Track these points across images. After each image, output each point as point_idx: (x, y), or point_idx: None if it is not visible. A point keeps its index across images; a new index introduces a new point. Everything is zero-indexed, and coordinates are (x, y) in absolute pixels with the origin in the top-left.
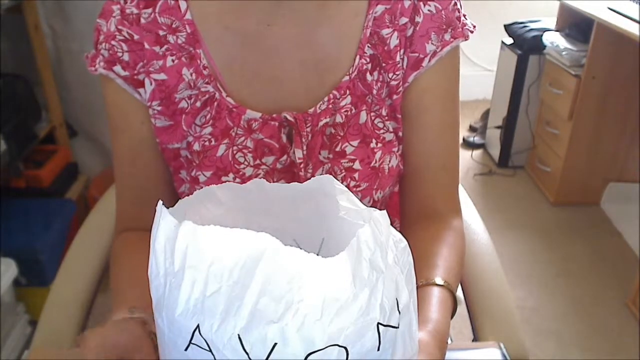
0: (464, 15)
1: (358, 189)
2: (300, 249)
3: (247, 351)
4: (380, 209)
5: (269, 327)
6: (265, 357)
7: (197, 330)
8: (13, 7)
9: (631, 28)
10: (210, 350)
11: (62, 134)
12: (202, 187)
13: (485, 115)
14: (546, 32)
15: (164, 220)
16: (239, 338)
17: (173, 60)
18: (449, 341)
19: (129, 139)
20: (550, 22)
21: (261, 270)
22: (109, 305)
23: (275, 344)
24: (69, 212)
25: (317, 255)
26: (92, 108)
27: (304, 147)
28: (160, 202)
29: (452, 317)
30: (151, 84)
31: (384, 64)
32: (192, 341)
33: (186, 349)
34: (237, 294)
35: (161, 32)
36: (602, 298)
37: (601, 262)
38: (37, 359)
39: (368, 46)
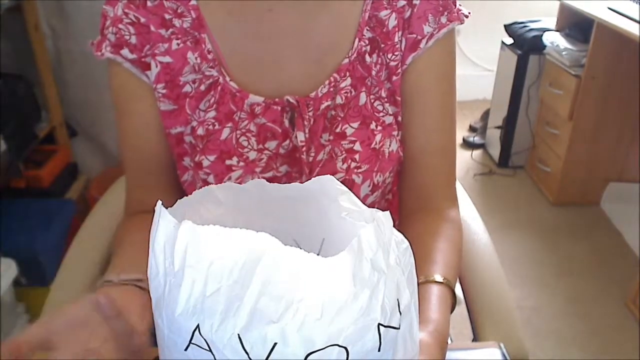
0: (460, 4)
1: (359, 170)
2: (300, 249)
3: (247, 351)
4: (380, 197)
5: (269, 326)
6: (265, 357)
7: (197, 330)
8: (13, 7)
9: (631, 28)
10: (210, 350)
11: (62, 134)
12: (206, 173)
13: (485, 115)
14: (546, 32)
15: (163, 220)
16: (239, 338)
17: (178, 44)
18: (449, 341)
19: (135, 122)
20: (550, 22)
21: (261, 270)
22: None
23: (275, 343)
24: (69, 212)
25: (318, 255)
26: (92, 108)
27: (306, 131)
28: (159, 202)
29: (451, 312)
30: (156, 66)
31: (382, 45)
32: (192, 341)
33: (186, 349)
34: (237, 293)
35: (167, 16)
36: (602, 298)
37: (601, 262)
38: (38, 359)
39: (367, 29)
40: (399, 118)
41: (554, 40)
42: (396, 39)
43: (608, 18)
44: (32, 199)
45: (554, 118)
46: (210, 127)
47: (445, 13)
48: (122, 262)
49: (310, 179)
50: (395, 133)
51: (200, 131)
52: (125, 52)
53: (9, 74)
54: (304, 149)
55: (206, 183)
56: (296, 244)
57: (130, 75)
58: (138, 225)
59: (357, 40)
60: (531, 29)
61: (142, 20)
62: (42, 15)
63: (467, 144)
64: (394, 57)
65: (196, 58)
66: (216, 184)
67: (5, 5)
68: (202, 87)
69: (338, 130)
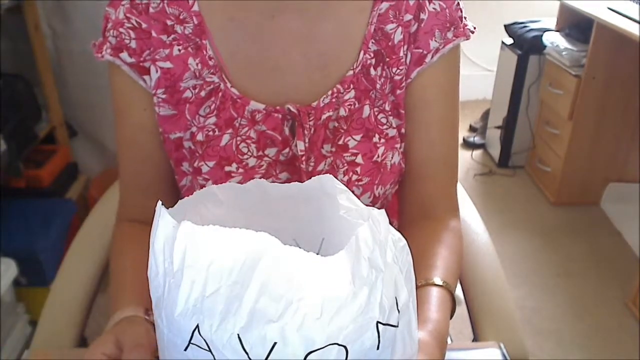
0: (465, 17)
1: (360, 183)
2: (300, 248)
3: (247, 351)
4: (379, 208)
5: (268, 326)
6: (265, 357)
7: (197, 330)
8: (13, 7)
9: (631, 28)
10: (210, 351)
11: (62, 134)
12: (204, 179)
13: (485, 115)
14: (546, 32)
15: (163, 220)
16: (239, 338)
17: (179, 50)
18: (449, 341)
19: (130, 125)
20: (550, 22)
21: (260, 270)
22: (109, 305)
23: (275, 343)
24: (69, 212)
25: (317, 254)
26: (92, 108)
27: (306, 140)
28: (160, 202)
29: (451, 318)
30: (157, 71)
31: (387, 59)
32: (192, 341)
33: (186, 349)
34: (237, 293)
35: (169, 22)
36: (602, 298)
37: (601, 262)
38: (37, 359)
39: (372, 42)
40: (402, 130)
41: (554, 40)
42: (401, 53)
43: (608, 18)
44: (32, 199)
45: (554, 118)
46: (210, 133)
47: (452, 28)
48: (139, 295)
49: None
50: (397, 145)
51: (199, 137)
52: (124, 55)
53: (9, 74)
54: (303, 158)
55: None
56: (296, 243)
57: (128, 78)
58: (136, 239)
59: (362, 52)
60: (531, 29)
61: (144, 25)
62: (42, 16)
63: (467, 144)
64: (398, 71)
65: (197, 64)
66: None
67: (5, 5)
68: (203, 93)
69: (340, 142)
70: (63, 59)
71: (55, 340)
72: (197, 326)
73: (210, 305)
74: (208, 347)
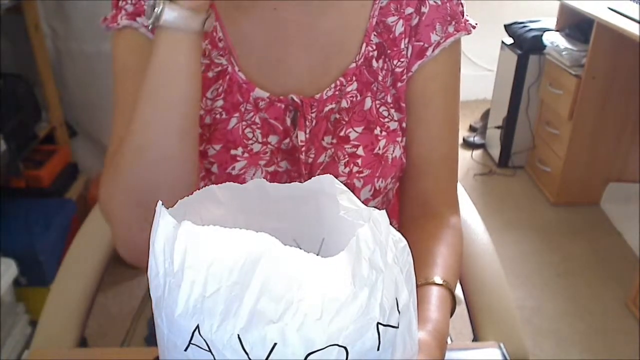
0: (467, 14)
1: (360, 175)
2: (300, 249)
3: (247, 351)
4: (381, 202)
5: (268, 327)
6: (265, 357)
7: (197, 330)
8: (13, 7)
9: (631, 28)
10: (210, 351)
11: (62, 134)
12: (210, 162)
13: (485, 115)
14: (546, 32)
15: (163, 220)
16: (239, 338)
17: None
18: (449, 341)
19: (137, 84)
20: (550, 22)
21: (261, 270)
22: (109, 305)
23: (275, 344)
24: (69, 212)
25: (317, 255)
26: (92, 108)
27: (307, 131)
28: (160, 202)
29: (450, 316)
30: None
31: (389, 51)
32: (192, 341)
33: (186, 350)
34: (237, 294)
35: None
36: (602, 298)
37: (601, 262)
38: (37, 359)
39: (374, 34)
40: (404, 124)
41: (554, 40)
42: (402, 46)
43: (608, 18)
44: (32, 199)
45: (554, 118)
46: (218, 116)
47: (453, 23)
48: None
49: (308, 180)
50: (399, 139)
51: (207, 120)
52: (142, 19)
53: (9, 74)
54: (303, 149)
55: (209, 172)
56: (296, 244)
57: (144, 37)
58: None
59: (364, 45)
60: (531, 29)
61: None
62: (42, 15)
63: (467, 144)
64: (399, 63)
65: (206, 44)
66: (220, 173)
67: (5, 5)
68: (210, 74)
69: (342, 134)
70: (63, 59)
71: (55, 340)
72: (198, 326)
73: (210, 306)
74: (208, 347)
